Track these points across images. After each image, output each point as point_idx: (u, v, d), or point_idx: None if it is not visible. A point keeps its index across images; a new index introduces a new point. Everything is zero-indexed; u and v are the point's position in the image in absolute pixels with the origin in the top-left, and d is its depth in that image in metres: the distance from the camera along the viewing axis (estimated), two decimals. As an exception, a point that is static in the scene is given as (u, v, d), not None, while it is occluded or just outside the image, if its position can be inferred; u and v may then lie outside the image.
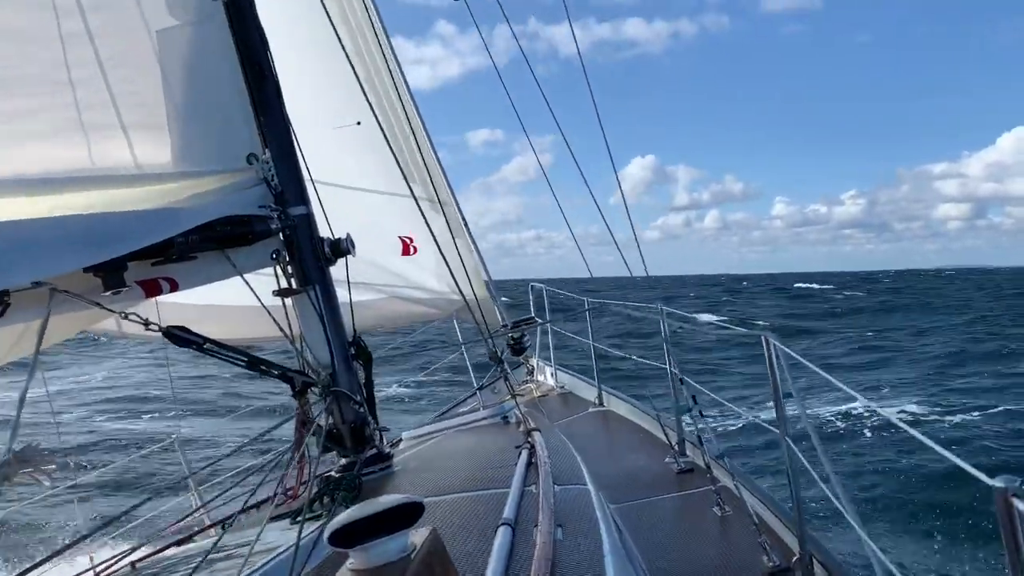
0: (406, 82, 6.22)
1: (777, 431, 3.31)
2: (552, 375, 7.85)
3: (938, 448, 2.20)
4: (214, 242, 2.95)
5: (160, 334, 2.91)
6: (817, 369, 2.95)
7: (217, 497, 3.24)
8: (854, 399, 2.80)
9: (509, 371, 4.98)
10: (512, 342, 6.88)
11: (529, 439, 3.24)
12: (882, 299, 60.58)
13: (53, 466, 2.46)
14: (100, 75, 2.91)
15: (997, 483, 1.75)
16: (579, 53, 6.18)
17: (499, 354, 4.64)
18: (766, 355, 3.25)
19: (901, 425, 2.47)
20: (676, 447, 4.72)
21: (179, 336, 2.93)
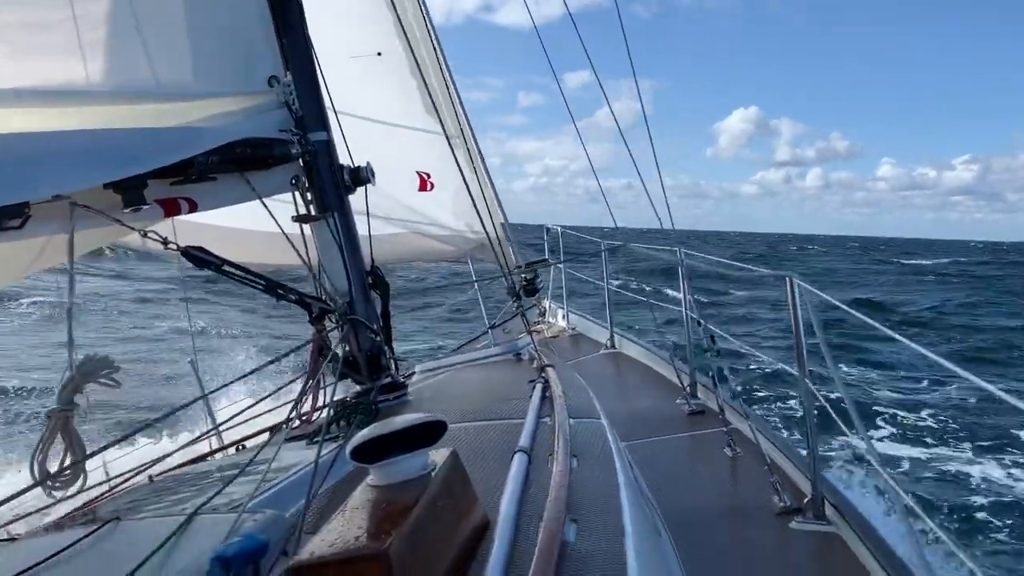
0: (428, 15, 6.11)
1: (797, 373, 3.30)
2: (564, 317, 7.87)
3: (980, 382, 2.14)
4: (234, 164, 2.93)
5: (178, 252, 2.90)
6: (850, 309, 2.91)
7: (232, 418, 3.26)
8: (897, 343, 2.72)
9: (525, 308, 4.97)
10: (525, 283, 6.88)
11: (543, 374, 3.25)
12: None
13: (117, 368, 2.49)
14: (121, -12, 2.85)
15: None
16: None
17: (517, 289, 4.62)
18: (788, 297, 3.22)
19: (942, 363, 2.41)
20: (688, 388, 4.72)
21: (197, 256, 2.93)
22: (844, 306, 2.94)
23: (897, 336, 2.64)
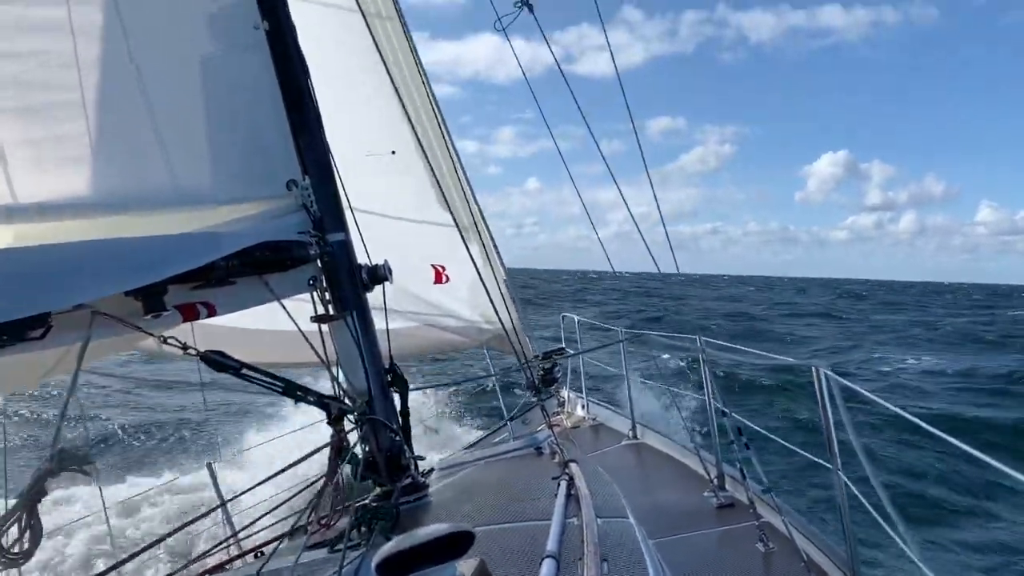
0: (441, 114, 6.27)
1: (829, 466, 3.21)
2: (583, 407, 7.77)
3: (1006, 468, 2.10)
4: (253, 267, 2.94)
5: (197, 358, 2.89)
6: (876, 398, 2.86)
7: (251, 524, 3.19)
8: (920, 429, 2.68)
9: (545, 399, 4.91)
10: (543, 372, 6.82)
11: (567, 470, 3.17)
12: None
13: (93, 464, 2.47)
14: (143, 99, 2.93)
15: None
16: (613, 58, 6.15)
17: (536, 382, 4.58)
18: (817, 387, 3.16)
19: (968, 448, 2.36)
20: (715, 481, 4.61)
21: (217, 361, 2.91)
22: (873, 396, 2.88)
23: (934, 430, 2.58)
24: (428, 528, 1.53)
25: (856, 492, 3.14)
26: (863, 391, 3.04)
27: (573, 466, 3.22)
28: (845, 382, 3.02)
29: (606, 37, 5.59)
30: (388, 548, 1.49)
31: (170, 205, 2.96)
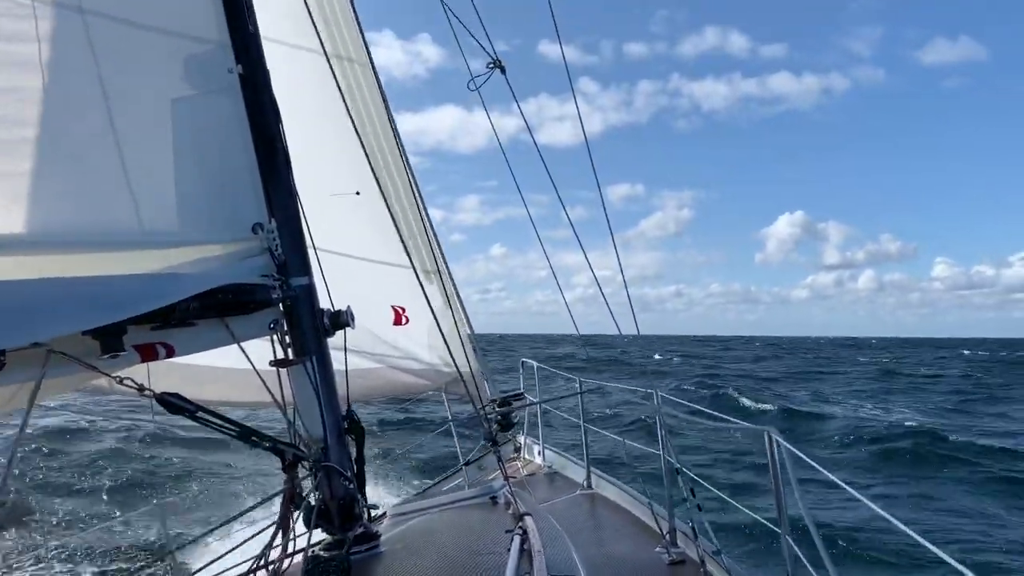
0: (405, 156, 6.31)
1: (778, 529, 3.25)
2: (540, 453, 7.74)
3: (937, 551, 2.16)
4: (214, 309, 2.93)
5: (153, 399, 2.86)
6: (820, 468, 2.92)
7: (201, 570, 3.13)
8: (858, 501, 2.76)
9: (500, 449, 4.90)
10: (500, 418, 6.79)
11: (521, 524, 3.18)
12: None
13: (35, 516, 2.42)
14: (113, 139, 2.92)
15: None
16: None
17: (493, 432, 4.57)
18: (768, 452, 3.21)
19: (903, 527, 2.43)
20: (667, 536, 4.62)
21: (172, 403, 2.88)
22: (820, 468, 2.95)
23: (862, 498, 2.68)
24: None
25: (803, 556, 3.18)
26: (810, 460, 3.10)
27: (527, 520, 3.23)
28: (794, 449, 3.08)
29: (576, 104, 5.68)
30: None
31: (134, 244, 2.94)
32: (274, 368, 3.27)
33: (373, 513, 3.82)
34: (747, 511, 4.06)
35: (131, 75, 3.01)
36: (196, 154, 3.11)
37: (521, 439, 8.04)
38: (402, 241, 5.85)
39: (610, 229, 5.24)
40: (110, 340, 2.61)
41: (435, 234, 6.70)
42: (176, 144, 3.07)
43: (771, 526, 3.36)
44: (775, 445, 3.16)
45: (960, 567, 1.90)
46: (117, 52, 2.94)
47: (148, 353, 2.83)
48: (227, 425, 3.02)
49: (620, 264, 5.00)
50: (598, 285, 5.30)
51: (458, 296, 6.97)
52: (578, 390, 6.43)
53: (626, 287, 5.05)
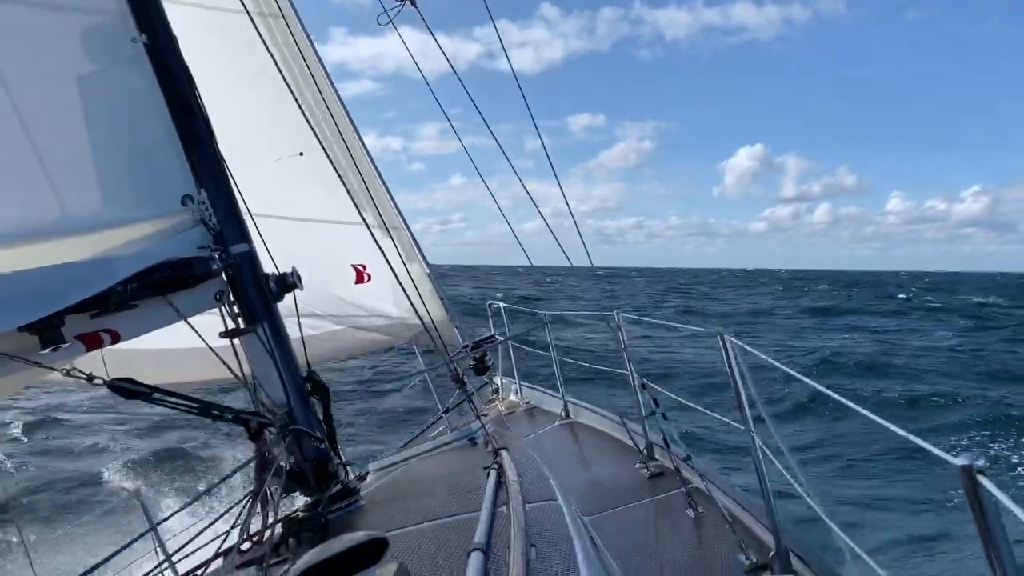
0: (346, 110, 6.18)
1: (742, 428, 3.30)
2: (517, 391, 7.81)
3: (897, 430, 2.20)
4: (154, 288, 2.87)
5: (105, 387, 2.81)
6: (775, 363, 2.95)
7: (182, 548, 3.13)
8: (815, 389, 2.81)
9: (473, 392, 4.92)
10: (475, 362, 6.82)
11: (497, 459, 3.19)
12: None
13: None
14: (20, 126, 2.81)
15: (960, 461, 1.75)
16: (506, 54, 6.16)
17: (460, 375, 4.58)
18: (723, 354, 3.25)
19: (857, 408, 2.47)
20: (644, 452, 4.70)
21: (126, 388, 2.84)
22: (774, 362, 2.98)
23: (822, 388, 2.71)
24: (341, 538, 1.53)
25: (768, 451, 3.24)
26: (763, 356, 3.13)
27: (503, 454, 3.24)
28: (748, 347, 3.11)
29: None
30: (303, 562, 1.49)
31: (60, 232, 2.85)
32: (227, 340, 3.23)
33: (356, 472, 3.83)
34: (711, 413, 4.14)
35: (29, 57, 2.89)
36: (111, 131, 3.01)
37: (498, 380, 8.11)
38: (351, 198, 5.77)
39: (550, 162, 5.18)
40: (49, 334, 2.55)
41: (387, 187, 6.61)
42: (88, 123, 2.96)
43: (735, 425, 3.42)
44: (729, 346, 3.19)
45: (939, 452, 1.93)
46: (10, 35, 2.81)
47: (93, 341, 2.77)
48: (185, 403, 2.99)
49: (564, 196, 4.96)
50: (574, 217, 5.26)
51: (418, 247, 6.92)
52: (544, 321, 6.46)
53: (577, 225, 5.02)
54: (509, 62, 6.06)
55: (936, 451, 1.95)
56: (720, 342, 3.22)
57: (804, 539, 3.46)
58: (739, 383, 3.20)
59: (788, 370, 2.86)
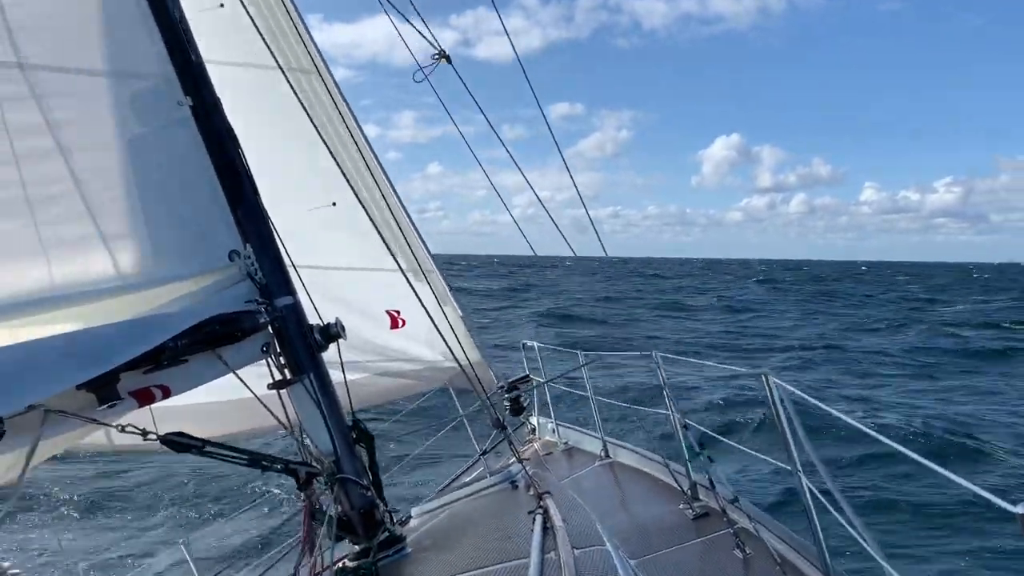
0: (376, 156, 6.29)
1: (789, 468, 3.28)
2: (554, 431, 7.78)
3: (955, 477, 2.19)
4: (204, 343, 2.94)
5: (158, 443, 2.87)
6: (820, 404, 2.94)
7: None
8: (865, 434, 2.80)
9: (511, 433, 4.93)
10: (510, 403, 6.82)
11: (541, 503, 3.20)
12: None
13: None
14: (75, 189, 2.92)
15: (1019, 509, 1.74)
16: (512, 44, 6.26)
17: (501, 420, 4.59)
18: (768, 395, 3.23)
19: (912, 455, 2.46)
20: (688, 492, 4.66)
21: (178, 442, 2.89)
22: (820, 403, 2.97)
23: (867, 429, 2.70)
24: None
25: (816, 491, 3.21)
26: (810, 398, 3.12)
27: (547, 499, 3.25)
28: (793, 389, 3.10)
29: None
30: None
31: (114, 292, 2.94)
32: (274, 391, 3.28)
33: (398, 517, 3.85)
34: (758, 455, 4.10)
35: (81, 122, 3.00)
36: (160, 191, 3.11)
37: (535, 420, 8.08)
38: (386, 245, 5.85)
39: (558, 148, 5.22)
40: (105, 390, 2.62)
41: (418, 232, 6.69)
42: (139, 184, 3.06)
43: (783, 465, 3.39)
44: (773, 387, 3.18)
45: (996, 500, 1.92)
46: (63, 101, 2.92)
47: (145, 397, 2.83)
48: (236, 455, 3.03)
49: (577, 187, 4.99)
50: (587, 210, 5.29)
51: (451, 289, 6.97)
52: (580, 363, 6.46)
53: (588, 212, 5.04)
54: (516, 52, 6.12)
55: (995, 499, 1.93)
56: (764, 383, 3.21)
57: None
58: (784, 424, 3.19)
59: (834, 411, 2.84)
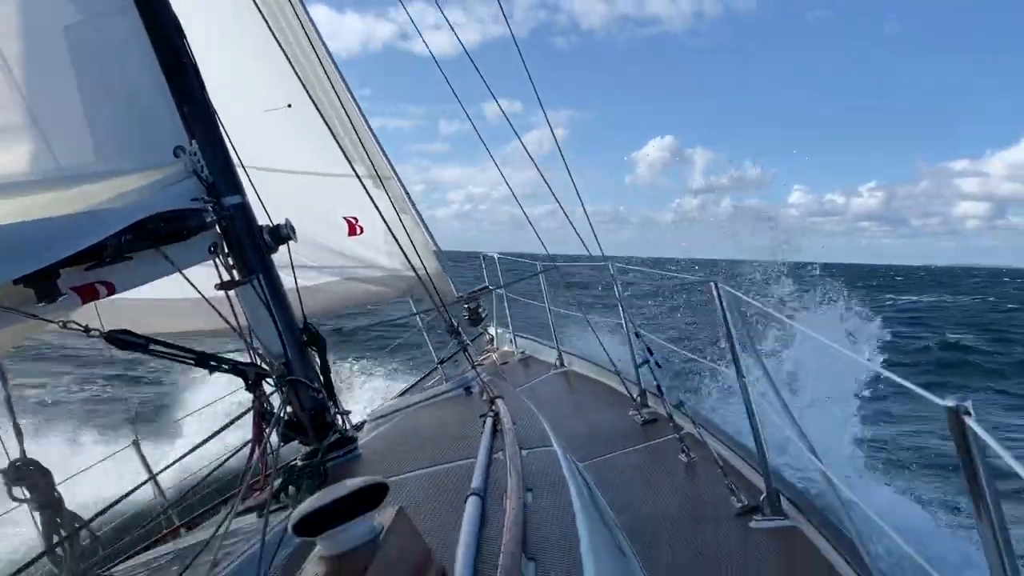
0: (333, 60, 6.10)
1: (728, 370, 3.36)
2: (512, 341, 7.87)
3: (888, 373, 2.24)
4: (148, 240, 2.86)
5: (101, 339, 2.83)
6: (768, 309, 2.99)
7: (182, 497, 3.18)
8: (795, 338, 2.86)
9: (468, 342, 4.97)
10: (469, 313, 6.86)
11: (493, 407, 3.24)
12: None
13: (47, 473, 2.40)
14: (9, 77, 2.79)
15: (948, 403, 1.79)
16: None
17: (456, 326, 4.62)
18: (716, 301, 3.28)
19: (847, 352, 2.51)
20: (637, 399, 4.76)
21: (122, 340, 2.85)
22: (763, 306, 3.02)
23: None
24: (343, 483, 1.55)
25: (757, 396, 3.29)
26: (755, 303, 3.17)
27: (499, 402, 3.29)
28: (740, 295, 3.15)
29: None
30: (303, 508, 1.51)
31: (52, 184, 2.84)
32: (222, 292, 3.24)
33: (350, 422, 3.88)
34: (701, 360, 4.19)
35: (16, 7, 2.85)
36: (101, 81, 2.98)
37: (493, 331, 8.17)
38: (342, 150, 5.73)
39: (558, 147, 5.14)
40: (44, 286, 2.55)
41: (377, 139, 6.56)
42: (77, 74, 2.93)
43: (724, 369, 3.47)
44: (721, 294, 3.22)
45: (927, 394, 1.97)
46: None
47: (88, 293, 2.78)
48: (182, 354, 3.01)
49: (576, 187, 4.93)
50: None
51: (410, 199, 6.90)
52: (538, 271, 6.49)
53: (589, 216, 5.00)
54: (523, 49, 5.96)
55: (925, 393, 1.99)
56: (713, 289, 3.25)
57: (795, 483, 3.53)
58: (731, 327, 3.24)
59: (775, 312, 2.89)
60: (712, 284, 3.26)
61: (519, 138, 5.75)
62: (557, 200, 5.12)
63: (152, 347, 2.90)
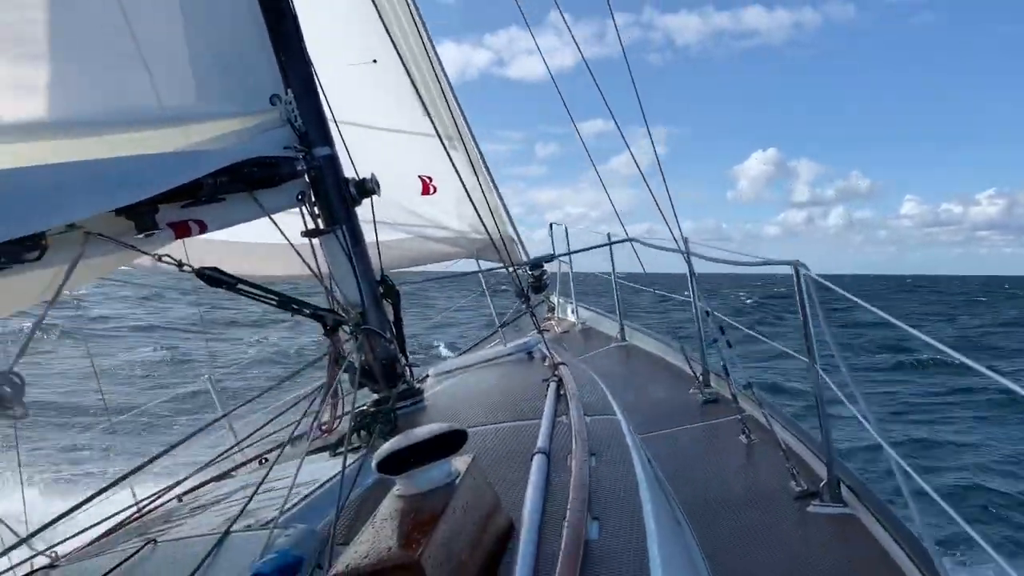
0: (421, 17, 6.14)
1: (806, 359, 3.33)
2: (573, 312, 7.89)
3: (983, 369, 2.20)
4: (242, 184, 2.97)
5: (193, 274, 2.94)
6: (854, 298, 2.94)
7: (253, 434, 3.31)
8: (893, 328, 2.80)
9: (534, 306, 5.00)
10: (532, 280, 6.89)
11: (556, 372, 3.28)
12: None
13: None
14: (123, 20, 2.89)
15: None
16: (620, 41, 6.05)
17: (524, 289, 4.66)
18: (796, 285, 3.25)
19: (943, 348, 2.45)
20: (700, 378, 4.75)
21: (212, 276, 2.97)
22: (852, 296, 2.97)
23: (903, 325, 2.67)
24: (424, 428, 1.61)
25: (832, 385, 3.26)
26: (839, 289, 3.12)
27: (562, 368, 3.33)
28: (823, 280, 3.10)
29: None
30: (387, 447, 1.57)
31: (155, 123, 2.96)
32: (306, 240, 3.34)
33: (415, 375, 3.97)
34: (776, 345, 4.15)
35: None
36: (207, 27, 3.08)
37: (555, 299, 8.19)
38: (424, 108, 5.78)
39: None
40: (144, 218, 2.67)
41: (457, 100, 6.60)
42: (186, 21, 3.03)
43: (800, 357, 3.44)
44: (803, 279, 3.19)
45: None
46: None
47: (182, 230, 2.89)
48: (267, 295, 3.11)
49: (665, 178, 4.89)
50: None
51: (484, 161, 6.93)
52: (607, 242, 6.47)
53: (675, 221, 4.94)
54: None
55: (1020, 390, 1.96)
56: (794, 274, 3.21)
57: (858, 473, 3.50)
58: (808, 315, 3.21)
59: (867, 306, 2.84)
60: (794, 267, 3.23)
61: (629, 150, 5.76)
62: (655, 200, 5.10)
63: (239, 286, 3.01)
